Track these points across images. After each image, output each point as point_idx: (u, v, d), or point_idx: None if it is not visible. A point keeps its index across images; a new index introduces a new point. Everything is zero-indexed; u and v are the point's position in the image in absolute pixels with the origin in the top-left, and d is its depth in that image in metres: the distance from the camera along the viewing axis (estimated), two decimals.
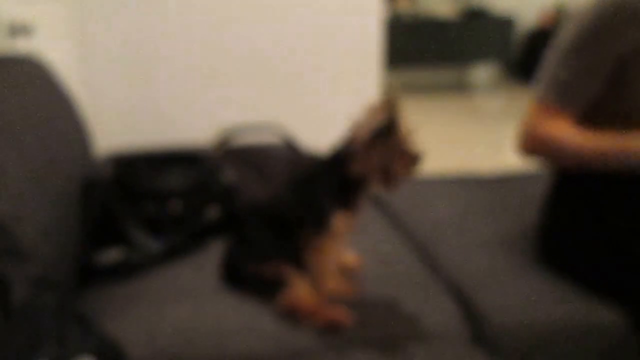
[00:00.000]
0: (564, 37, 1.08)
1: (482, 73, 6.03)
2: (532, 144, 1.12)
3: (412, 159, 0.94)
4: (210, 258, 1.14)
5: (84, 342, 0.65)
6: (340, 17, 2.04)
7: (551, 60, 1.10)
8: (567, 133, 1.08)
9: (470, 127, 4.47)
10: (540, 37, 5.60)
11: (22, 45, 1.37)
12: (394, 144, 0.93)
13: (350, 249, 1.15)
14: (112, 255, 1.08)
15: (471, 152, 3.62)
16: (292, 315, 0.97)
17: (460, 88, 6.05)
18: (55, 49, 1.60)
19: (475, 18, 5.93)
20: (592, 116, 1.10)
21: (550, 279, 1.13)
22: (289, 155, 1.60)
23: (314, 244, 1.00)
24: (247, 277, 1.04)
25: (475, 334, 1.04)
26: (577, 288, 1.09)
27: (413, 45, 5.60)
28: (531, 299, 1.07)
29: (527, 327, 1.02)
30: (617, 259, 1.06)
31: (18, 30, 1.36)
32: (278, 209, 1.07)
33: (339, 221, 0.99)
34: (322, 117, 2.05)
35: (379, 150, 0.93)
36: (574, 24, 1.06)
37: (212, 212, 1.26)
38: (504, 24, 5.87)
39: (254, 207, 1.16)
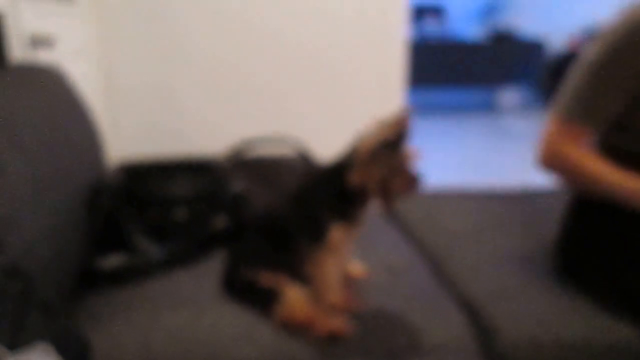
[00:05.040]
0: (591, 52, 1.04)
1: (511, 96, 5.98)
2: (551, 159, 1.09)
3: (412, 179, 0.92)
4: (213, 267, 1.13)
5: (45, 331, 0.64)
6: (363, 37, 2.04)
7: (576, 75, 1.07)
8: (590, 159, 1.05)
9: (498, 148, 4.41)
10: (569, 61, 5.53)
11: (43, 57, 1.40)
12: (396, 161, 0.91)
13: (359, 259, 1.13)
14: (114, 260, 1.08)
15: (498, 172, 3.57)
16: (289, 327, 0.95)
17: (489, 110, 6.00)
18: (76, 61, 1.64)
19: (504, 41, 5.91)
20: (617, 139, 1.07)
21: (566, 296, 1.07)
22: (302, 168, 1.59)
23: (311, 256, 0.97)
24: (242, 287, 1.01)
25: (484, 349, 0.99)
26: (594, 305, 1.04)
27: (441, 67, 5.62)
28: (545, 315, 1.02)
29: (540, 344, 0.97)
30: (637, 275, 1.01)
31: (40, 42, 1.39)
32: (277, 220, 1.05)
33: (337, 234, 0.95)
34: (344, 135, 2.04)
35: (380, 164, 0.90)
36: (602, 40, 1.03)
37: (219, 222, 1.25)
38: (533, 48, 5.84)
39: (255, 217, 1.15)
